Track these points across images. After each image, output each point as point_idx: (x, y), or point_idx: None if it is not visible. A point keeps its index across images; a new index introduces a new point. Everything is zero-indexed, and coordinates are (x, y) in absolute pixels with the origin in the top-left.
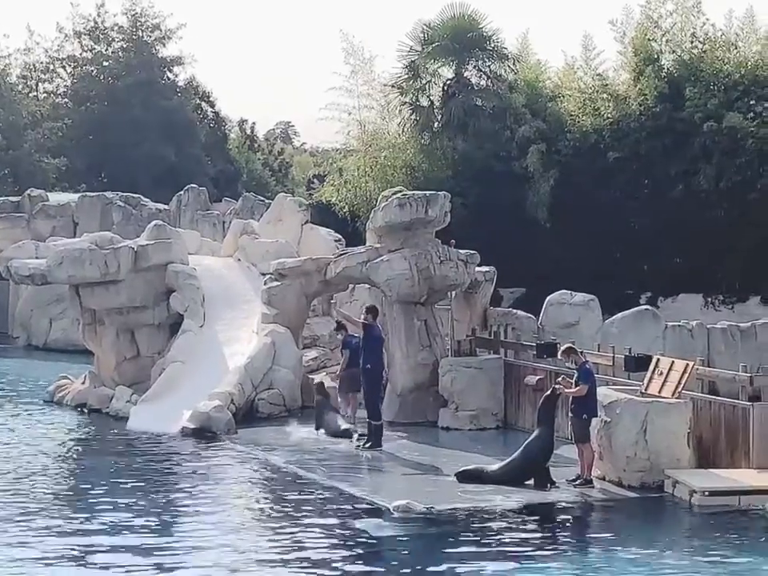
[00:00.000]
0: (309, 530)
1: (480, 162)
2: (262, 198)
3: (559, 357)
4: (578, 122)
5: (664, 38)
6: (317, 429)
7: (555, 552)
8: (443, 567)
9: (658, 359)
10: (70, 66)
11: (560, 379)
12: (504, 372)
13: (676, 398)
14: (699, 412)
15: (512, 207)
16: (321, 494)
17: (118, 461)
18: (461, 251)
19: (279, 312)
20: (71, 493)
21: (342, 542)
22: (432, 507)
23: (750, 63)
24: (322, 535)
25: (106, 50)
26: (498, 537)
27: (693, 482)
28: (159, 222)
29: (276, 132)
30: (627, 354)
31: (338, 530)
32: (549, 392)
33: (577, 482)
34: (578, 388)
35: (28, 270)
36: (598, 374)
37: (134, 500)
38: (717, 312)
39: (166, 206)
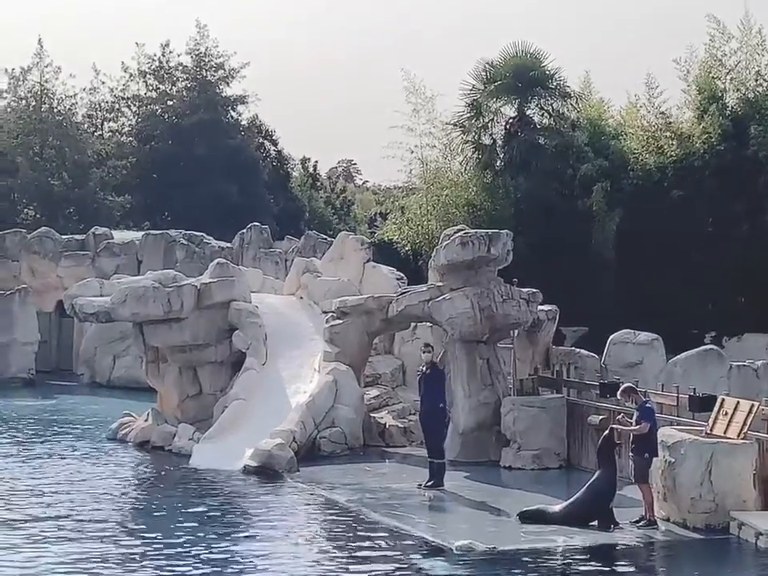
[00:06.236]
0: (371, 568)
1: (542, 200)
2: (324, 236)
3: (618, 396)
4: (641, 160)
5: (728, 76)
6: None
7: None
8: None
9: (723, 399)
10: (134, 105)
11: (619, 417)
12: (567, 411)
13: (741, 439)
14: (765, 453)
15: (575, 245)
16: (383, 532)
17: (180, 499)
18: (523, 290)
19: (341, 350)
20: (137, 530)
21: None
22: (494, 547)
23: None
24: (384, 574)
25: (171, 89)
26: None
27: (759, 524)
28: (222, 260)
29: (338, 170)
30: (692, 394)
31: (400, 569)
32: (606, 432)
33: (641, 523)
34: (638, 426)
35: (93, 308)
36: (661, 413)
37: (195, 538)
38: None
39: (228, 244)
